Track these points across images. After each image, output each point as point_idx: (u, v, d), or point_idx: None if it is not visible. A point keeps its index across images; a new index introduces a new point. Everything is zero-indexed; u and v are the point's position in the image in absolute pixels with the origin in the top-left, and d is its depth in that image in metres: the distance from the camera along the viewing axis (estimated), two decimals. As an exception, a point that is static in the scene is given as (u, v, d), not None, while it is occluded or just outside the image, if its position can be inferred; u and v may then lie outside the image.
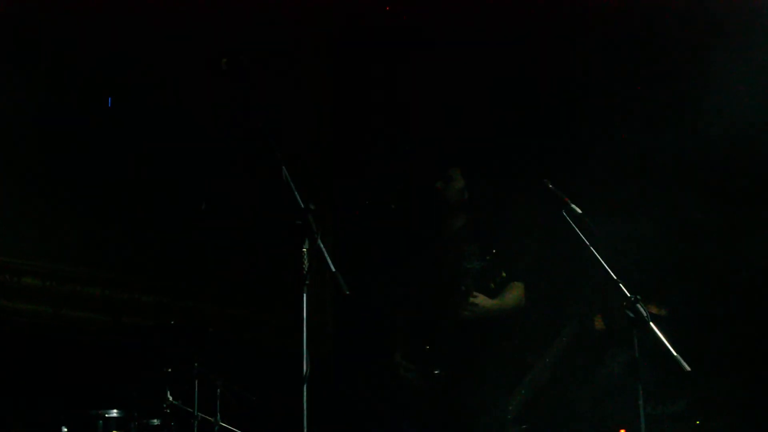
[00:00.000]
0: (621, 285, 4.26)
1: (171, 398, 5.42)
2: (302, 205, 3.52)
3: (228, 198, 7.13)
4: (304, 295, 3.47)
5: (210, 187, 7.06)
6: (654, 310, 5.61)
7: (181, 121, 7.02)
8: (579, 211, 4.51)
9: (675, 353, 4.05)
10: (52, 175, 6.59)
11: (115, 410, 5.13)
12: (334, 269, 3.46)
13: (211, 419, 5.51)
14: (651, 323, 4.12)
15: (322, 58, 8.04)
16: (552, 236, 5.90)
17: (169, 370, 5.50)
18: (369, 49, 7.78)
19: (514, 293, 5.54)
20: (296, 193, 3.54)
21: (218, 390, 5.55)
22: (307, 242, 3.49)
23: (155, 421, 5.27)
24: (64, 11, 6.51)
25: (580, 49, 6.87)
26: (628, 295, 4.22)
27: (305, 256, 3.49)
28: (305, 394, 3.40)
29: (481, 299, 5.35)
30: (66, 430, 5.01)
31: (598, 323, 6.15)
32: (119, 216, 6.78)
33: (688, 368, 4.04)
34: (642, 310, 4.17)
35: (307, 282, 3.46)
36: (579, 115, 6.94)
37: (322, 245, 3.46)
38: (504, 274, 5.41)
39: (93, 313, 6.61)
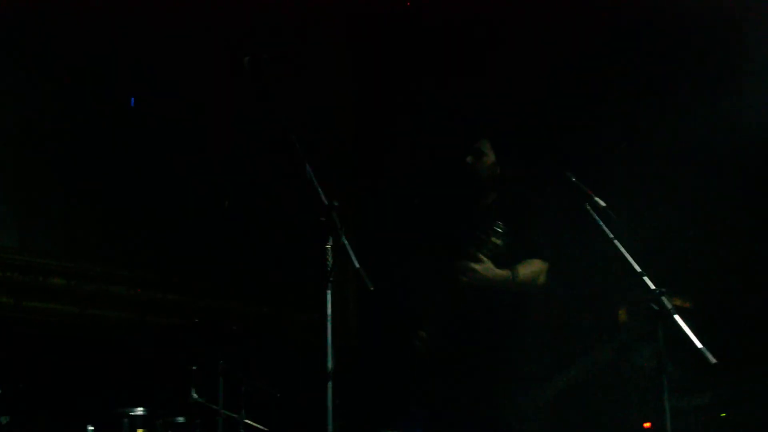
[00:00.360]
0: (645, 278, 4.24)
1: (196, 396, 5.45)
2: (326, 202, 3.52)
3: (251, 196, 7.15)
4: (328, 291, 3.47)
5: (233, 185, 7.08)
6: (678, 303, 5.59)
7: (205, 119, 7.05)
8: (603, 204, 4.48)
9: (701, 345, 4.02)
10: (76, 175, 6.63)
11: (140, 408, 5.16)
12: (358, 265, 3.46)
13: (236, 416, 5.53)
14: (676, 316, 4.10)
15: (344, 53, 8.05)
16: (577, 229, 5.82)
17: (194, 367, 5.52)
18: (391, 44, 7.77)
19: (532, 269, 4.99)
20: (320, 189, 3.54)
21: (243, 387, 5.57)
22: (330, 239, 3.49)
23: (180, 419, 5.29)
24: (84, 13, 6.55)
25: (607, 34, 6.81)
26: (653, 287, 4.20)
27: (329, 253, 3.49)
28: (330, 389, 3.40)
29: (482, 266, 4.86)
30: (92, 428, 5.03)
31: (622, 316, 6.12)
32: (143, 215, 6.82)
33: (714, 360, 4.00)
34: (667, 302, 4.15)
35: (331, 279, 3.46)
36: (607, 106, 6.90)
37: (346, 241, 3.46)
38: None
39: (118, 312, 6.64)
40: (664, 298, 4.15)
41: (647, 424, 5.84)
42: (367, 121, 7.98)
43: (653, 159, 6.59)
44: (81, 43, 6.63)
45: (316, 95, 7.59)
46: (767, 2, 6.20)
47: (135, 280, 6.76)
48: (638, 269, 4.28)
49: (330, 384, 3.41)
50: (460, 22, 7.27)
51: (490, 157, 5.17)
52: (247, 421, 5.58)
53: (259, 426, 5.68)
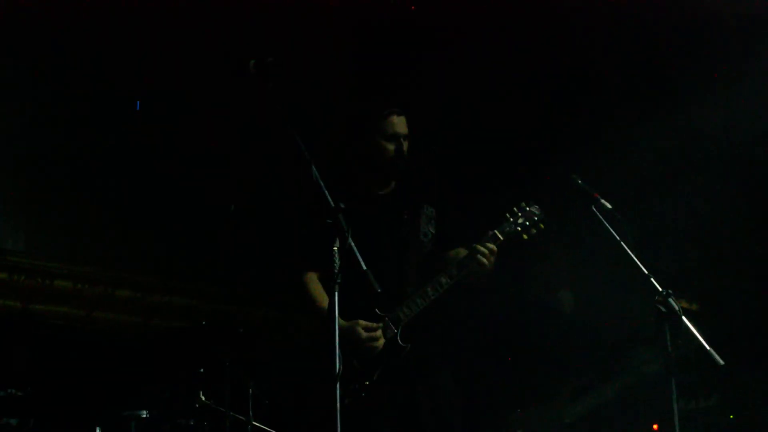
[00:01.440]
0: (652, 279, 4.24)
1: (203, 398, 5.45)
2: (332, 204, 3.51)
3: (257, 199, 7.16)
4: (335, 293, 3.46)
5: (239, 188, 7.09)
6: (685, 305, 5.58)
7: (210, 124, 7.06)
8: (609, 206, 4.48)
9: (708, 347, 4.02)
10: (83, 179, 6.64)
11: (147, 411, 5.16)
12: (365, 267, 3.46)
13: (243, 418, 5.54)
14: (683, 317, 4.10)
15: (346, 57, 8.05)
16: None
17: (201, 370, 5.53)
18: (390, 48, 7.77)
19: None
20: (326, 192, 3.54)
21: (250, 390, 5.57)
22: (337, 241, 3.49)
23: (187, 421, 5.29)
24: (90, 15, 6.56)
25: (613, 32, 6.80)
26: (660, 289, 4.19)
27: (336, 255, 3.48)
28: (338, 391, 3.40)
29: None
30: (100, 430, 5.04)
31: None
32: (149, 219, 6.83)
33: (721, 362, 4.01)
34: (674, 304, 4.14)
35: (338, 281, 3.46)
36: (613, 103, 6.91)
37: (353, 244, 3.45)
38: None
39: (125, 315, 6.66)
40: (671, 300, 4.15)
41: (655, 426, 5.83)
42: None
43: (659, 159, 6.59)
44: (87, 46, 6.65)
45: (318, 97, 7.60)
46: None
47: (141, 284, 6.77)
48: (645, 271, 4.29)
49: (338, 386, 3.40)
50: (460, 24, 7.26)
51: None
52: (254, 423, 5.58)
53: (266, 428, 5.68)
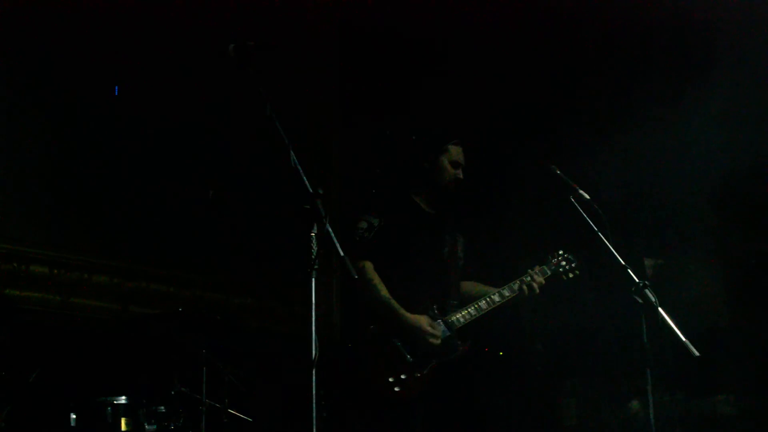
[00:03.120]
0: (629, 270, 4.26)
1: (179, 385, 5.43)
2: (311, 190, 3.50)
3: (236, 185, 7.14)
4: (313, 279, 3.45)
5: (217, 174, 7.07)
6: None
7: (188, 109, 7.03)
8: (587, 197, 4.51)
9: (684, 339, 4.05)
10: (59, 164, 6.60)
11: (123, 397, 5.13)
12: (342, 254, 3.45)
13: (219, 406, 5.52)
14: (660, 309, 4.12)
15: (328, 43, 8.05)
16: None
17: (177, 357, 5.51)
18: (374, 37, 7.77)
19: None
20: (304, 177, 3.53)
21: (226, 377, 5.56)
22: (315, 227, 3.48)
23: (163, 408, 5.27)
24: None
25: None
26: (636, 280, 4.22)
27: (313, 241, 3.47)
28: (314, 378, 3.39)
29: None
30: (75, 416, 5.01)
31: None
32: (126, 204, 6.79)
33: (697, 353, 4.04)
34: (650, 295, 4.17)
35: (316, 266, 3.45)
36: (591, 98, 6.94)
37: (330, 230, 3.45)
38: None
39: (101, 302, 6.62)
40: (648, 291, 4.18)
41: None
42: (349, 109, 7.97)
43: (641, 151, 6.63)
44: (63, 30, 6.59)
45: (299, 82, 7.59)
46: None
47: (118, 270, 6.73)
48: (623, 262, 4.31)
49: (314, 373, 3.40)
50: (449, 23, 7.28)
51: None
52: (230, 410, 5.57)
53: (242, 416, 5.67)
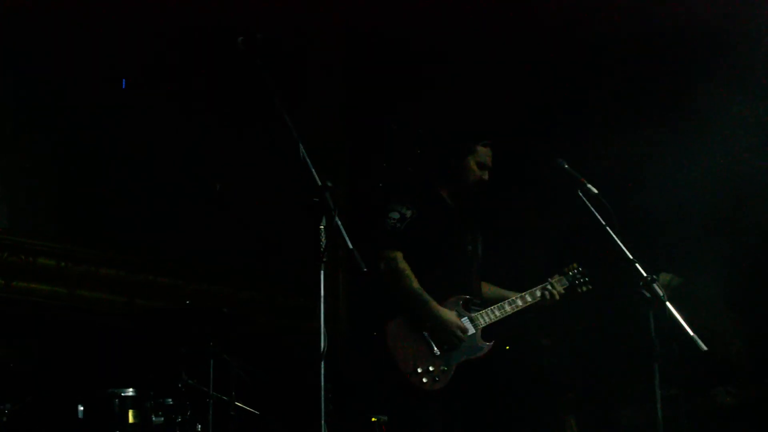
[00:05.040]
0: (637, 265, 4.25)
1: (186, 378, 5.45)
2: (319, 183, 3.50)
3: (242, 178, 7.14)
4: (321, 272, 3.46)
5: (225, 167, 7.07)
6: (666, 279, 5.73)
7: (196, 103, 7.03)
8: (595, 191, 4.49)
9: (692, 333, 4.05)
10: (68, 158, 6.61)
11: (130, 389, 5.14)
12: (351, 246, 3.45)
13: (226, 399, 5.53)
14: (667, 303, 4.12)
15: (337, 36, 8.03)
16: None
17: (185, 350, 5.52)
18: (382, 32, 7.76)
19: None
20: (313, 170, 3.53)
21: (233, 370, 5.57)
22: (324, 220, 3.48)
23: (170, 400, 5.29)
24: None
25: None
26: (644, 274, 4.21)
27: (322, 234, 3.48)
28: (323, 370, 3.39)
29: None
30: (82, 408, 5.02)
31: None
32: (134, 197, 6.79)
33: (705, 348, 4.03)
34: (658, 290, 4.16)
35: (324, 259, 3.45)
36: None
37: (339, 222, 3.45)
38: None
39: (108, 294, 6.63)
40: (655, 285, 4.17)
41: None
42: (359, 103, 7.97)
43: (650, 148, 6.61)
44: (57, 23, 6.57)
45: (307, 76, 7.59)
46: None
47: (126, 263, 6.74)
48: (630, 256, 4.30)
49: (322, 365, 3.40)
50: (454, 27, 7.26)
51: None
52: (237, 403, 5.58)
53: (249, 408, 5.69)
